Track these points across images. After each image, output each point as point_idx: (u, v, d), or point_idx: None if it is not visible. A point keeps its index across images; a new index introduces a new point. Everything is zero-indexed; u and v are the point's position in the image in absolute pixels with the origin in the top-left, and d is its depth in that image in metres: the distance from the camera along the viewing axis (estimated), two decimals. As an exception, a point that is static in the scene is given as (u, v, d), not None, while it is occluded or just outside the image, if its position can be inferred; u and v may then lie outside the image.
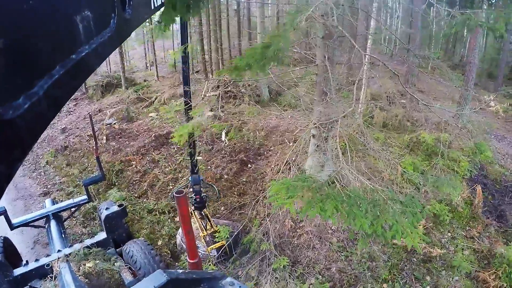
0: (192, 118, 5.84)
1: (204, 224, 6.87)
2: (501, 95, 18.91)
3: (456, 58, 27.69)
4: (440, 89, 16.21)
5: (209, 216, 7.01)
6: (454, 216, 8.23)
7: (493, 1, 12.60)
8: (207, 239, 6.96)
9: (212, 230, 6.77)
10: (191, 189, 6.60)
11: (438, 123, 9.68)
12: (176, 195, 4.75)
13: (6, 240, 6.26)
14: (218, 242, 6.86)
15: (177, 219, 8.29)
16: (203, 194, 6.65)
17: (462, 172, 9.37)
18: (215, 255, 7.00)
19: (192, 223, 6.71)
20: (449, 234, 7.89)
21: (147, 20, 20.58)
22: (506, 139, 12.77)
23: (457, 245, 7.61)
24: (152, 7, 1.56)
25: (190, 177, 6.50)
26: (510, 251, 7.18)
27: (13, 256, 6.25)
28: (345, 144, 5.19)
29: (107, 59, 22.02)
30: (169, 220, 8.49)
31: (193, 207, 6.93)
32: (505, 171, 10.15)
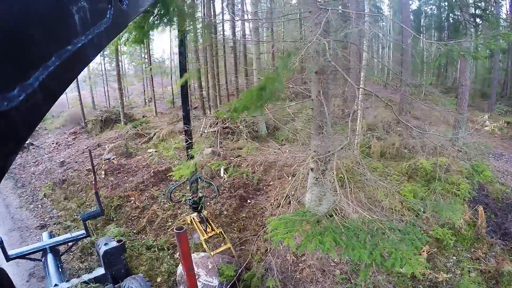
0: (192, 156, 5.91)
1: (204, 227, 6.66)
2: (496, 113, 19.17)
3: (449, 81, 28.36)
4: (435, 114, 16.46)
5: (209, 219, 6.82)
6: (458, 239, 8.13)
7: (479, 27, 13.10)
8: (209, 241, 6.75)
9: (213, 232, 6.57)
10: (188, 187, 6.45)
11: (435, 148, 9.80)
12: (176, 231, 4.73)
13: (1, 271, 6.14)
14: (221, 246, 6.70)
15: (176, 255, 8.16)
16: (200, 194, 6.48)
17: (463, 194, 9.36)
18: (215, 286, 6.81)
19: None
20: (454, 257, 7.78)
21: (146, 60, 21.14)
22: (504, 157, 12.84)
23: (463, 268, 7.49)
24: None
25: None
26: (517, 268, 7.09)
27: None
28: (343, 176, 5.24)
29: (107, 94, 22.49)
30: (168, 256, 8.35)
31: (191, 210, 6.72)
32: (506, 189, 10.12)
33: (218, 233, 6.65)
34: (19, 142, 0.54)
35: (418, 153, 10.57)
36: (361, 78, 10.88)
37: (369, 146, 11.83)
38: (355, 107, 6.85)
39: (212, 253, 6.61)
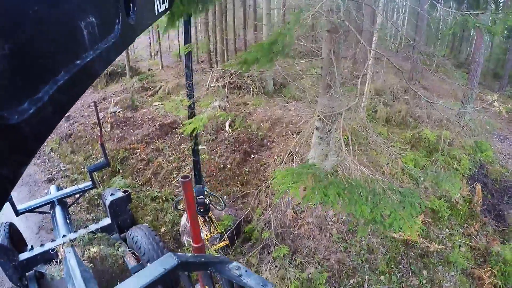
0: (194, 114, 5.88)
1: (208, 227, 6.85)
2: (505, 95, 18.82)
3: (462, 56, 27.54)
4: (444, 86, 16.19)
5: (213, 219, 7.00)
6: (453, 213, 8.29)
7: (500, 2, 12.57)
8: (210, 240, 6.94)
9: (216, 232, 6.77)
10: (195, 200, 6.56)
11: (441, 120, 9.72)
12: (182, 179, 4.82)
13: (12, 226, 6.36)
14: (221, 242, 6.91)
15: (180, 206, 8.41)
16: (207, 201, 6.57)
17: (463, 170, 9.43)
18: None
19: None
20: (447, 230, 7.97)
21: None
22: (508, 140, 12.76)
23: (454, 242, 7.69)
24: (156, 13, 1.57)
25: (194, 188, 6.41)
26: (506, 250, 7.27)
27: (18, 241, 6.35)
28: (348, 137, 5.26)
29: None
30: (172, 207, 8.61)
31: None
32: (506, 171, 10.18)
33: (220, 232, 6.78)
34: (28, 154, 0.55)
35: (423, 123, 10.53)
36: (374, 41, 10.60)
37: (375, 111, 11.76)
38: (365, 69, 6.74)
39: (212, 248, 6.78)
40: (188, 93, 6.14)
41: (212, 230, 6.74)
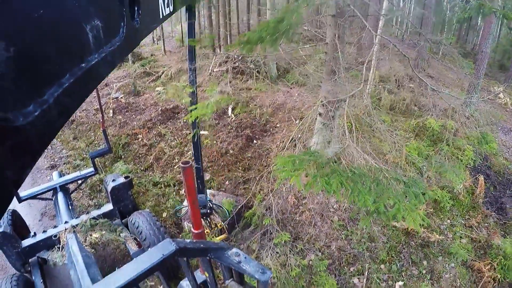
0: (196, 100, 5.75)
1: (209, 224, 6.81)
2: (511, 87, 18.58)
3: (469, 46, 27.13)
4: (450, 76, 15.98)
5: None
6: (455, 204, 8.25)
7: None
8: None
9: (217, 227, 6.71)
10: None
11: (446, 109, 9.61)
12: (182, 165, 4.78)
13: (14, 213, 6.36)
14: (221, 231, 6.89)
15: (182, 192, 8.42)
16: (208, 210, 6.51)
17: (466, 161, 9.35)
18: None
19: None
20: (449, 221, 7.95)
21: None
22: (513, 133, 12.64)
23: (455, 233, 7.69)
24: (161, 16, 1.57)
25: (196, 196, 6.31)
26: (507, 243, 7.23)
27: (21, 228, 6.36)
28: (352, 124, 5.19)
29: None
30: (174, 193, 8.61)
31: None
32: (509, 164, 10.09)
33: (221, 227, 6.73)
34: (34, 156, 0.55)
35: (428, 112, 10.41)
36: (379, 27, 10.37)
37: (380, 98, 11.62)
38: (371, 56, 6.61)
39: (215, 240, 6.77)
40: (190, 78, 6.00)
41: (213, 227, 6.71)
